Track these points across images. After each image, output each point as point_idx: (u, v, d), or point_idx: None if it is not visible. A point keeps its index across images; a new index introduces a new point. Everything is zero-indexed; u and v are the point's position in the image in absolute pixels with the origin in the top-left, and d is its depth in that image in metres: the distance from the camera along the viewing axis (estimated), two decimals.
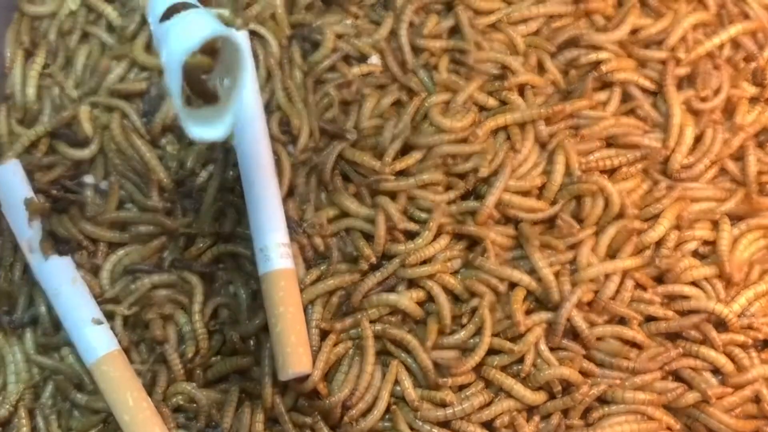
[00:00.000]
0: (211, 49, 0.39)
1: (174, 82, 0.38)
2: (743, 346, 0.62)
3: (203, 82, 0.41)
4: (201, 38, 0.38)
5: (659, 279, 0.64)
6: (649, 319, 0.63)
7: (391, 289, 0.63)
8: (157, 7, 0.41)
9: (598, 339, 0.62)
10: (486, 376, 0.62)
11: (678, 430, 0.61)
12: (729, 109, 0.68)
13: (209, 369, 0.63)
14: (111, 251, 0.66)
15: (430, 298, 0.63)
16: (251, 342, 0.63)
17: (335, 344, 0.62)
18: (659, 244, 0.64)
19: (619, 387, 0.61)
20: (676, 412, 0.61)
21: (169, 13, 0.40)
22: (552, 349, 0.62)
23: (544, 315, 0.62)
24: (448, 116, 0.67)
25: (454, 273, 0.64)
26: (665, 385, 0.61)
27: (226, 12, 0.40)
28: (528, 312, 0.63)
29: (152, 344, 0.63)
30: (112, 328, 0.62)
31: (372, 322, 0.63)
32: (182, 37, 0.38)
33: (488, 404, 0.61)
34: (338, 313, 0.63)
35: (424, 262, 0.63)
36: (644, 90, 0.69)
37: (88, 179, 0.68)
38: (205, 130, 0.38)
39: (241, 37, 0.38)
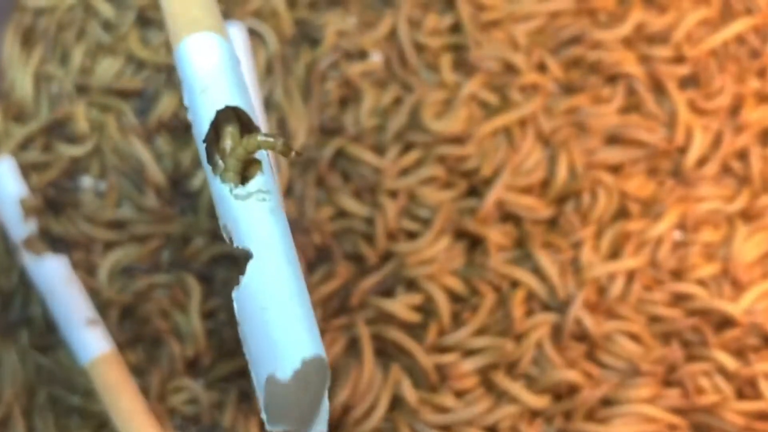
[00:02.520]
0: None
1: None
2: (749, 345, 0.62)
3: None
4: None
5: (665, 278, 0.64)
6: (655, 319, 0.63)
7: (390, 291, 0.63)
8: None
9: (604, 338, 0.62)
10: (491, 379, 0.61)
11: (684, 427, 0.60)
12: (734, 106, 0.68)
13: (210, 370, 0.62)
14: (108, 251, 0.65)
15: (431, 297, 0.63)
16: None
17: (331, 344, 0.62)
18: (663, 242, 0.64)
19: (622, 388, 0.61)
20: (683, 411, 0.61)
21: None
22: (556, 350, 0.61)
23: (549, 316, 0.62)
24: (442, 118, 0.66)
25: (455, 272, 0.63)
26: (669, 389, 0.61)
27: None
28: (530, 313, 0.62)
29: (150, 341, 0.63)
30: (108, 325, 0.61)
31: (369, 322, 0.62)
32: None
33: (492, 409, 0.61)
34: (336, 313, 0.63)
35: (424, 262, 0.63)
36: (649, 87, 0.68)
37: (85, 178, 0.67)
38: None
39: None
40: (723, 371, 0.61)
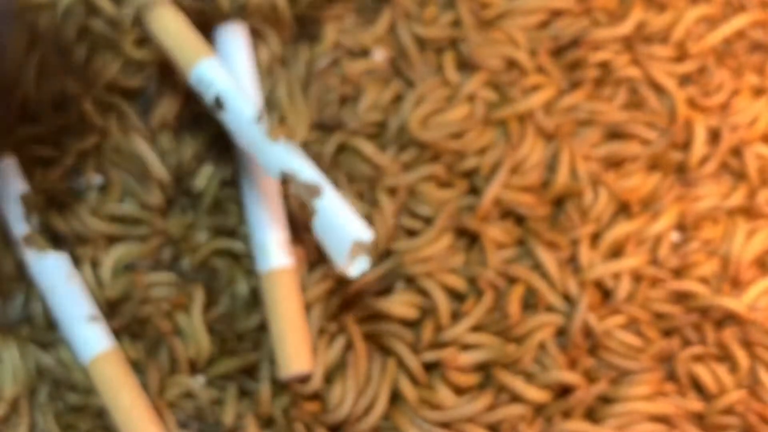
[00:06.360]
0: None
1: None
2: (748, 342, 0.62)
3: None
4: None
5: (666, 278, 0.63)
6: (657, 316, 0.63)
7: (389, 288, 0.63)
8: None
9: (606, 335, 0.62)
10: (490, 374, 0.61)
11: (684, 424, 0.60)
12: (732, 103, 0.68)
13: (210, 368, 0.62)
14: (110, 247, 0.65)
15: (429, 296, 0.63)
16: (248, 341, 0.62)
17: (329, 342, 0.62)
18: (662, 241, 0.64)
19: (621, 385, 0.61)
20: (683, 408, 0.61)
21: None
22: (560, 351, 0.61)
23: (553, 317, 0.62)
24: (436, 121, 0.66)
25: (454, 270, 0.63)
26: (671, 385, 0.61)
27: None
28: (531, 312, 0.62)
29: (151, 338, 0.63)
30: (109, 322, 0.61)
31: (364, 319, 0.62)
32: None
33: (493, 407, 0.61)
34: (337, 311, 0.63)
35: (424, 260, 0.63)
36: (651, 85, 0.68)
37: (87, 174, 0.67)
38: None
39: None
40: (726, 360, 0.61)
